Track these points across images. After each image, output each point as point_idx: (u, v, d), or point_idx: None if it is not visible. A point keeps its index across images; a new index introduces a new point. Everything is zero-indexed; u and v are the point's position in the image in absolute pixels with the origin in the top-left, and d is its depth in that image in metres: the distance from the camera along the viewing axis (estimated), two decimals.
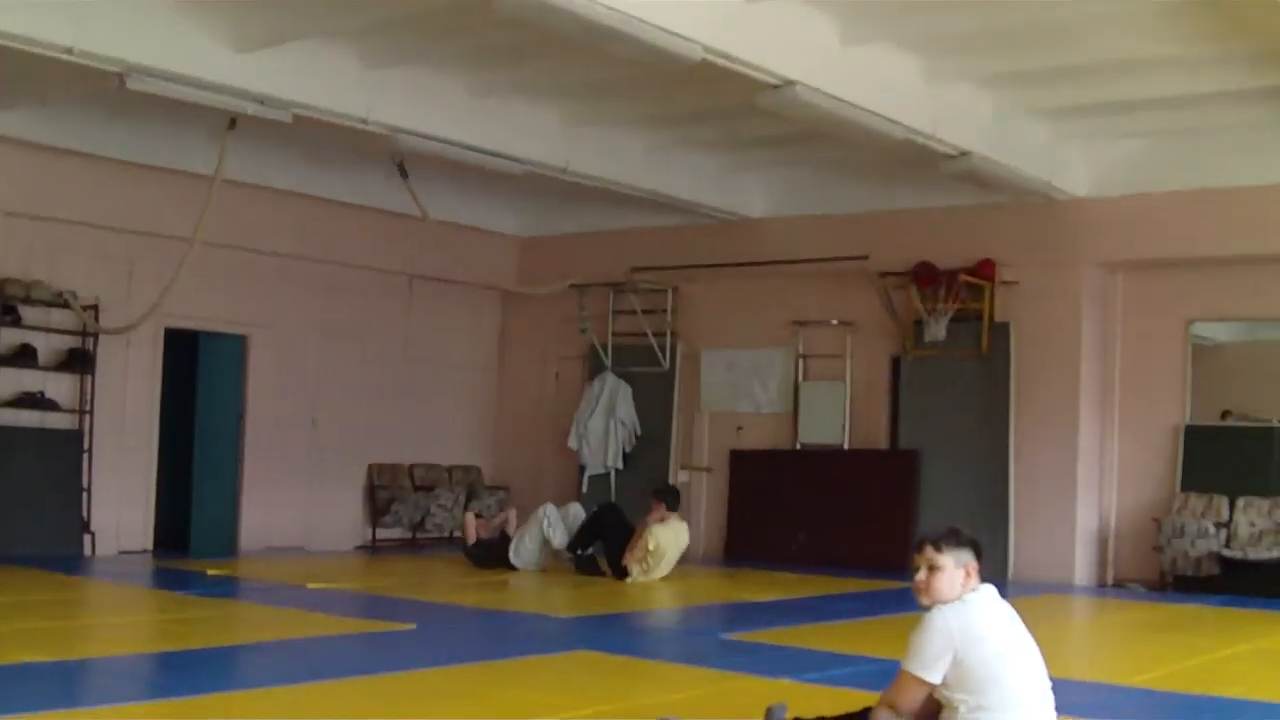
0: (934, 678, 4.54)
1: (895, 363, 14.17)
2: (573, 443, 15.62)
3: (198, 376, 14.37)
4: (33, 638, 7.74)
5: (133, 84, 9.53)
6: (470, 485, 16.21)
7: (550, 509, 12.60)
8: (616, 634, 9.15)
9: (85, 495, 12.85)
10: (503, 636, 8.88)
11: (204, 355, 14.36)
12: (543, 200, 15.66)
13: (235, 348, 14.35)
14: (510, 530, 12.83)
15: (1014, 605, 4.76)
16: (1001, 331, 13.48)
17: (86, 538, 12.83)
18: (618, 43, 8.57)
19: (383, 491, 15.42)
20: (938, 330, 13.57)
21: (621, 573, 12.06)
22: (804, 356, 14.80)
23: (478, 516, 13.57)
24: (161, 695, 6.34)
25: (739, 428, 15.14)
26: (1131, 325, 13.41)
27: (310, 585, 10.79)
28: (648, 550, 12.02)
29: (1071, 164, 12.99)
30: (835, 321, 14.53)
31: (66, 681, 6.68)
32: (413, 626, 8.75)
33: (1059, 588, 12.56)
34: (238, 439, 14.27)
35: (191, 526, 14.18)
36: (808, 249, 14.35)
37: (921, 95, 10.88)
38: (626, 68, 9.70)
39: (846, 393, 14.47)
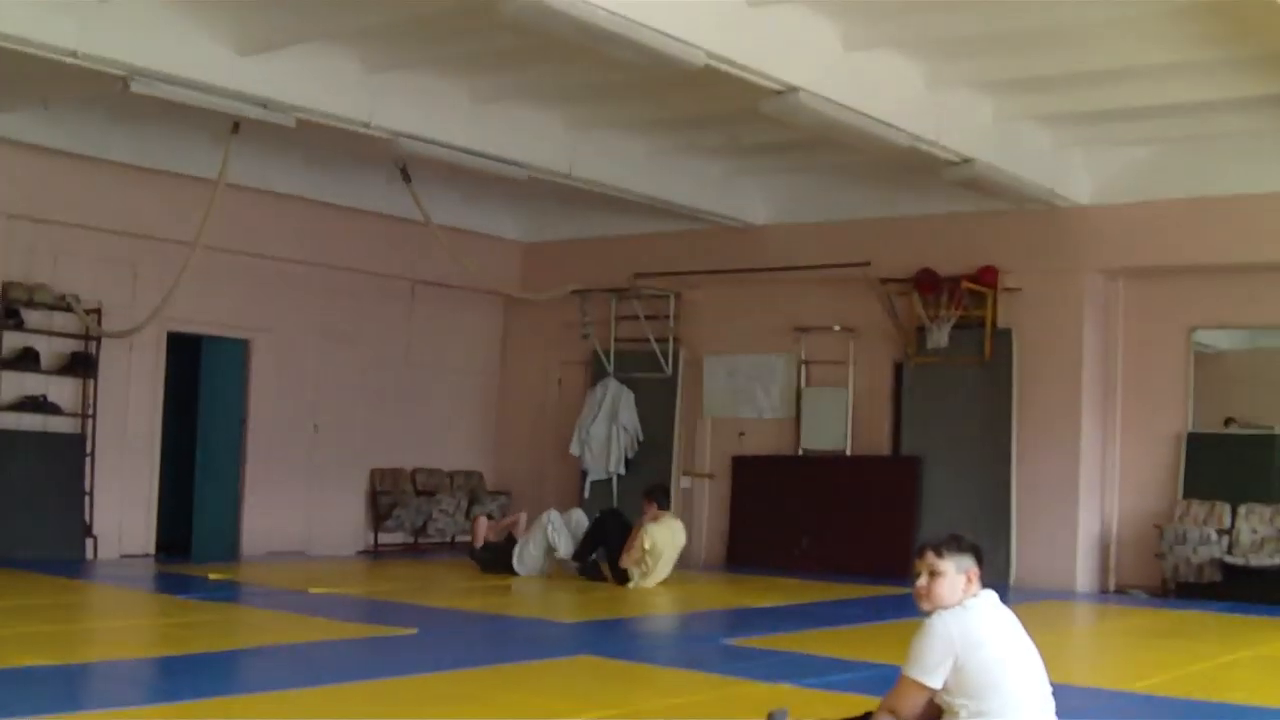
0: (935, 683, 4.53)
1: (898, 369, 14.16)
2: (575, 448, 15.60)
3: (200, 380, 14.43)
4: (35, 641, 7.74)
5: (137, 87, 9.55)
6: (472, 490, 16.21)
7: (554, 515, 12.56)
8: (618, 639, 9.16)
9: (87, 499, 12.86)
10: (505, 641, 8.86)
11: (206, 359, 14.42)
12: (545, 205, 15.66)
13: (237, 352, 14.36)
14: (519, 534, 12.79)
15: (1015, 611, 4.75)
16: (1004, 338, 13.47)
17: (88, 541, 12.84)
18: (620, 47, 8.57)
19: (384, 496, 15.41)
20: (940, 337, 13.58)
21: (623, 577, 12.03)
22: (806, 362, 14.79)
23: (489, 518, 13.51)
24: (163, 699, 6.34)
25: (741, 434, 15.13)
26: (1133, 332, 13.39)
27: (312, 590, 10.78)
28: (644, 550, 11.97)
29: (1073, 171, 12.98)
30: (837, 328, 14.52)
31: (68, 685, 6.66)
32: (414, 631, 8.75)
33: (1061, 594, 12.55)
34: (240, 443, 14.28)
35: (193, 530, 14.23)
36: (810, 255, 14.35)
37: (924, 101, 10.88)
38: (629, 72, 9.70)
39: (849, 399, 14.46)
